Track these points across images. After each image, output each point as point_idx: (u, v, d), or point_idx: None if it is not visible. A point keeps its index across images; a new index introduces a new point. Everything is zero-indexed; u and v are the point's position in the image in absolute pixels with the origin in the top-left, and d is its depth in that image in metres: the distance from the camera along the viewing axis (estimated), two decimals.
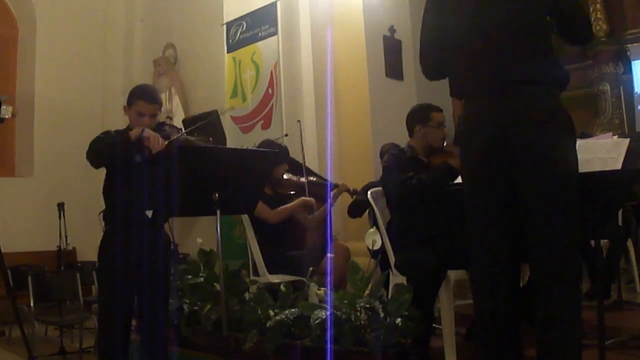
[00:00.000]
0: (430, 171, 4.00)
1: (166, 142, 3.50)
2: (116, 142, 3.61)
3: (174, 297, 5.15)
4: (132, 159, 3.64)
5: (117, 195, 3.66)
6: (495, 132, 2.73)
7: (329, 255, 4.87)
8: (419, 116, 4.24)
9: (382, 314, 3.68)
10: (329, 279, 4.22)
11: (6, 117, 4.73)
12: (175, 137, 3.69)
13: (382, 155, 5.59)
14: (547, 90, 2.75)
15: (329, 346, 3.64)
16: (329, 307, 3.78)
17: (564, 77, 2.82)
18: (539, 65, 2.74)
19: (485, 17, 2.78)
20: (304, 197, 5.14)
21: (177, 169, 3.37)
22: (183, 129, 3.76)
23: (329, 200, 5.29)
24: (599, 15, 8.71)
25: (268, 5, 7.32)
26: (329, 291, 3.88)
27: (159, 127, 3.77)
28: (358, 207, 5.43)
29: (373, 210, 4.31)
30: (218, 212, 3.44)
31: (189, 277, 5.20)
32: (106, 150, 3.62)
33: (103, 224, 3.81)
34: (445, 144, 4.25)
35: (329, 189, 5.40)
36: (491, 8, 2.78)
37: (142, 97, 3.72)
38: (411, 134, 4.28)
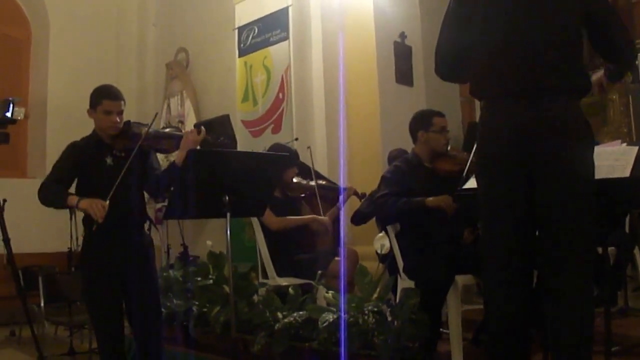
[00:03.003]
0: (406, 201, 4.04)
1: (107, 203, 3.43)
2: (56, 198, 3.62)
3: (182, 299, 5.20)
4: (103, 162, 3.68)
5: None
6: (516, 137, 2.71)
7: (339, 258, 4.90)
8: (421, 122, 4.27)
9: (389, 318, 3.70)
10: (342, 282, 4.23)
11: (19, 118, 4.76)
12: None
13: (390, 160, 5.62)
14: (570, 97, 2.73)
15: (342, 349, 3.66)
16: (342, 312, 3.79)
17: (586, 85, 2.81)
18: (565, 73, 2.71)
19: (516, 20, 2.75)
20: (316, 216, 5.16)
21: (189, 172, 3.40)
22: (149, 126, 3.74)
23: (342, 207, 5.32)
24: None
25: (280, 10, 7.36)
26: (342, 296, 3.89)
27: (126, 126, 3.77)
28: (361, 217, 5.46)
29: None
30: (228, 214, 3.47)
31: (199, 279, 5.24)
32: (51, 201, 3.65)
33: (83, 229, 3.83)
34: (449, 148, 4.27)
35: (341, 194, 5.43)
36: (521, 12, 2.75)
37: (106, 95, 3.72)
38: (415, 140, 4.31)
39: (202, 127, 3.76)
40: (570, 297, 2.63)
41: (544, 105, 2.69)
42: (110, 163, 3.69)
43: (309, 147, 5.73)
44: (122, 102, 3.75)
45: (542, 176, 2.70)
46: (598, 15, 2.81)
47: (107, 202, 3.41)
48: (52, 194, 3.62)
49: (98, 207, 3.38)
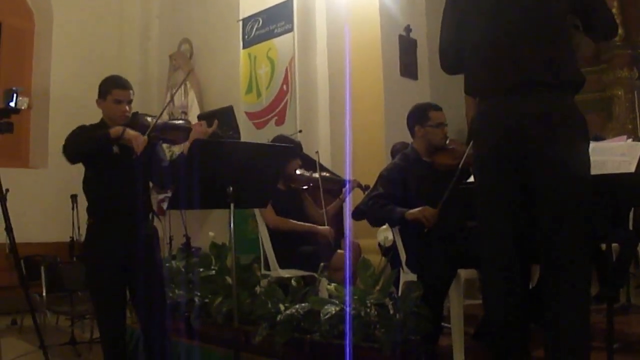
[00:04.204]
0: (390, 210, 4.03)
1: (146, 138, 3.56)
2: (95, 138, 3.65)
3: (184, 290, 5.20)
4: (110, 150, 3.68)
5: (98, 188, 3.70)
6: (510, 132, 2.73)
7: (341, 251, 4.90)
8: (417, 116, 4.24)
9: (392, 311, 3.70)
10: (348, 274, 4.23)
11: (22, 108, 4.77)
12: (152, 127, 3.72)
13: (393, 154, 5.61)
14: (563, 91, 2.75)
15: (347, 341, 3.66)
16: (348, 306, 3.79)
17: (580, 79, 2.82)
18: (558, 68, 2.73)
19: (505, 16, 2.78)
20: (315, 226, 5.13)
21: (194, 163, 3.40)
22: (158, 117, 3.80)
23: (347, 199, 5.31)
24: None
25: (284, 1, 7.35)
26: (347, 289, 3.88)
27: (134, 117, 3.80)
28: (360, 213, 5.46)
29: None
30: (232, 205, 3.46)
31: (201, 269, 5.24)
32: (85, 145, 3.66)
33: (87, 217, 3.85)
34: (448, 142, 4.24)
35: (348, 187, 5.42)
36: (511, 7, 2.78)
37: (116, 85, 3.78)
38: (412, 135, 4.29)
39: (216, 120, 3.78)
40: (568, 293, 2.64)
41: (537, 100, 2.72)
42: (117, 151, 3.69)
43: (317, 152, 5.68)
44: (131, 92, 3.82)
45: (537, 172, 2.72)
46: (582, 4, 2.85)
47: (146, 136, 3.57)
48: (87, 137, 3.68)
49: (140, 140, 3.53)
